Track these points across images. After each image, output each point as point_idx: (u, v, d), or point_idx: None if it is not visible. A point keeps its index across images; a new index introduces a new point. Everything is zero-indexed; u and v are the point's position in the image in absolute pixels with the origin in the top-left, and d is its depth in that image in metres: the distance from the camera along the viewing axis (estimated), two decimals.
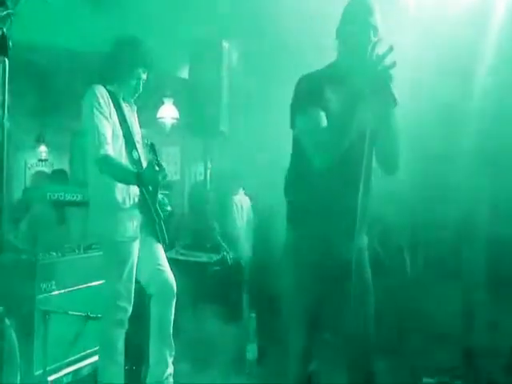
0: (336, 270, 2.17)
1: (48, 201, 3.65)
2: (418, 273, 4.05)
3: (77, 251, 3.63)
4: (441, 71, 3.48)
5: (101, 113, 2.79)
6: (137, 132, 3.08)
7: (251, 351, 3.99)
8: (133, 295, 2.92)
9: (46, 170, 7.97)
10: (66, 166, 7.86)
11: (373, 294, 2.30)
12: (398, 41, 1.99)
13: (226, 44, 4.77)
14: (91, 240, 3.61)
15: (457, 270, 3.76)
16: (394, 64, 1.93)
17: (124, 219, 2.86)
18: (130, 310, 2.91)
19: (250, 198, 5.47)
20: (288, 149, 2.39)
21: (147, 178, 2.69)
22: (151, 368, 3.01)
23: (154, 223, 2.98)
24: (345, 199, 2.13)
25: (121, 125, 2.91)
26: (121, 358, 2.91)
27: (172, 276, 3.03)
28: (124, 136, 2.92)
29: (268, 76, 4.51)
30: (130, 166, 2.88)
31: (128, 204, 2.88)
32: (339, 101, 2.12)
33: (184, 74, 5.32)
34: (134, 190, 2.91)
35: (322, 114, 2.12)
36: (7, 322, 2.65)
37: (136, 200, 2.93)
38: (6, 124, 1.92)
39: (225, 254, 4.83)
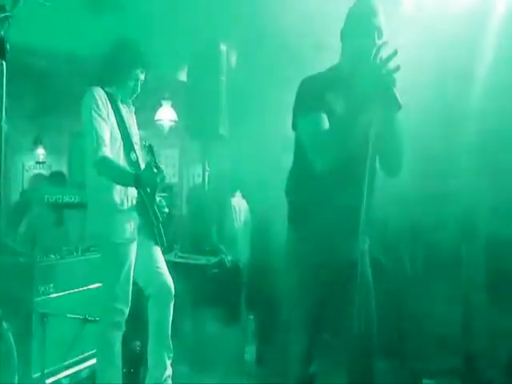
0: (338, 272, 2.17)
1: (46, 203, 3.65)
2: (418, 274, 4.05)
3: (75, 253, 3.63)
4: (440, 70, 3.48)
5: (99, 115, 2.79)
6: (135, 134, 3.08)
7: (250, 353, 3.98)
8: (130, 297, 2.91)
9: (44, 172, 7.95)
10: (64, 169, 7.86)
11: (374, 295, 2.29)
12: (398, 40, 1.99)
13: (224, 46, 4.77)
14: (89, 242, 3.61)
15: (457, 271, 3.75)
16: (398, 68, 1.92)
17: (122, 221, 2.86)
18: (127, 312, 2.91)
19: (248, 201, 5.46)
20: (286, 151, 2.38)
21: (145, 180, 2.69)
22: (150, 370, 3.01)
23: (153, 226, 2.98)
24: (348, 201, 2.11)
25: (119, 127, 2.91)
26: (118, 360, 2.90)
27: (170, 278, 3.03)
28: (122, 138, 2.92)
29: (267, 77, 4.51)
30: (128, 168, 2.87)
31: (126, 206, 2.88)
32: (342, 103, 2.12)
33: (182, 76, 5.32)
34: (132, 191, 2.90)
35: (324, 117, 2.12)
36: (5, 324, 2.64)
37: (134, 202, 2.92)
38: (4, 126, 1.91)
39: (223, 256, 4.84)
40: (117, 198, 2.84)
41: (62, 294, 3.38)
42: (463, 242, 3.76)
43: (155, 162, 2.67)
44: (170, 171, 8.48)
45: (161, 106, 7.04)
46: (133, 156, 2.96)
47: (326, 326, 2.26)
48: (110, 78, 2.96)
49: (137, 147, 3.03)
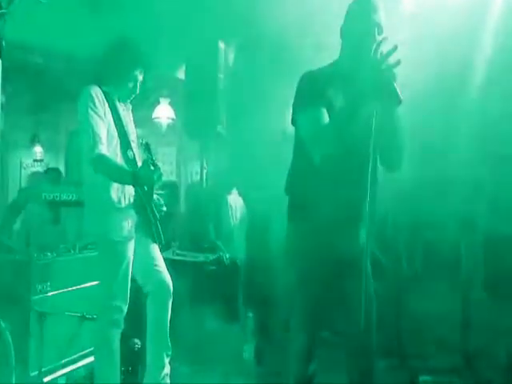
0: (339, 268, 2.16)
1: (43, 201, 3.64)
2: (417, 272, 4.05)
3: (72, 251, 3.62)
4: (440, 64, 3.47)
5: (95, 113, 2.77)
6: (132, 131, 3.06)
7: (248, 351, 3.98)
8: (128, 295, 2.90)
9: (42, 170, 7.93)
10: (61, 166, 7.83)
11: (373, 292, 2.28)
12: (398, 35, 1.98)
13: (222, 44, 4.76)
14: (87, 240, 3.59)
15: (456, 270, 3.75)
16: (398, 62, 1.92)
17: (119, 219, 2.84)
18: (126, 309, 2.90)
19: (245, 198, 5.46)
20: (284, 148, 2.37)
21: (142, 178, 2.68)
22: (148, 368, 2.99)
23: (150, 223, 2.97)
24: (348, 197, 2.11)
25: (116, 124, 2.89)
26: (116, 359, 2.89)
27: (168, 276, 3.02)
28: (119, 136, 2.90)
29: (265, 75, 4.50)
30: (125, 166, 2.86)
31: (123, 204, 2.87)
32: (341, 99, 2.12)
33: (181, 74, 5.31)
34: (130, 189, 2.89)
35: (324, 111, 2.12)
36: (2, 323, 2.63)
37: (131, 200, 2.91)
38: (1, 124, 1.90)
39: (221, 253, 4.84)
40: (114, 196, 2.83)
41: (59, 292, 3.36)
42: (462, 240, 3.76)
43: (152, 160, 2.65)
44: (167, 169, 8.47)
45: (159, 103, 7.05)
46: (130, 154, 2.95)
47: (326, 323, 2.26)
48: (108, 78, 2.94)
49: (134, 145, 3.02)
